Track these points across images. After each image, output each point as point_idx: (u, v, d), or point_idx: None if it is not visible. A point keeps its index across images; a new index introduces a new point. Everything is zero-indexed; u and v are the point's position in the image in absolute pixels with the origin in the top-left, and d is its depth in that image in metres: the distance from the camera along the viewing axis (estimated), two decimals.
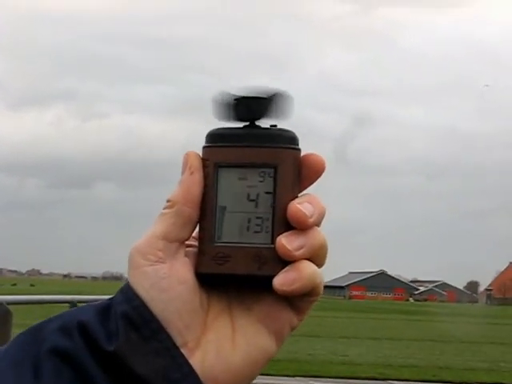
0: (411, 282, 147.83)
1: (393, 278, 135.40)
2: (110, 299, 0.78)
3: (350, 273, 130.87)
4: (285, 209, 0.76)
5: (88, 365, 0.73)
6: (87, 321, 0.75)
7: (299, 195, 0.78)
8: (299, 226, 0.76)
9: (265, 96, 0.78)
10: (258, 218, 0.77)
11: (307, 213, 0.75)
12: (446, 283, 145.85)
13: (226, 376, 0.76)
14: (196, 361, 0.75)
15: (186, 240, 0.78)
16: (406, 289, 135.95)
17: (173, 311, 0.75)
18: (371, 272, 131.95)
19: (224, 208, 0.78)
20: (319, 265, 0.77)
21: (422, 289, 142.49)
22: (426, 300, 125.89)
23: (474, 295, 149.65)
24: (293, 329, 0.79)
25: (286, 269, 0.75)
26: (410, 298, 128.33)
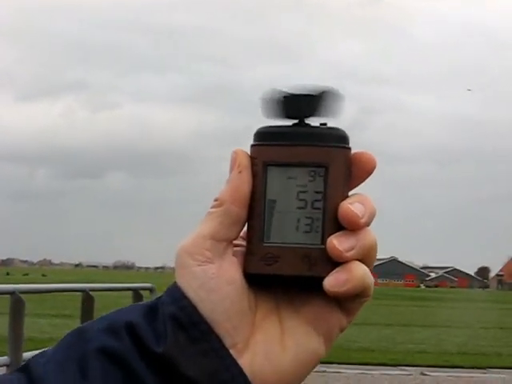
0: (422, 268, 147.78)
1: (404, 264, 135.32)
2: (156, 299, 0.76)
3: None
4: (335, 209, 0.74)
5: (136, 365, 0.72)
6: (135, 321, 0.74)
7: (349, 194, 0.76)
8: (350, 227, 0.74)
9: (314, 93, 0.76)
10: (307, 217, 0.75)
11: (359, 213, 0.73)
12: (456, 269, 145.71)
13: (274, 377, 0.74)
14: (245, 362, 0.74)
15: (234, 239, 0.76)
16: (417, 275, 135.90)
17: (221, 312, 0.74)
18: (382, 259, 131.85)
19: (273, 207, 0.76)
20: (369, 266, 0.75)
21: (433, 275, 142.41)
22: (437, 286, 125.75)
23: (485, 281, 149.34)
24: (342, 330, 0.78)
25: (336, 270, 0.73)
26: (421, 285, 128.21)
